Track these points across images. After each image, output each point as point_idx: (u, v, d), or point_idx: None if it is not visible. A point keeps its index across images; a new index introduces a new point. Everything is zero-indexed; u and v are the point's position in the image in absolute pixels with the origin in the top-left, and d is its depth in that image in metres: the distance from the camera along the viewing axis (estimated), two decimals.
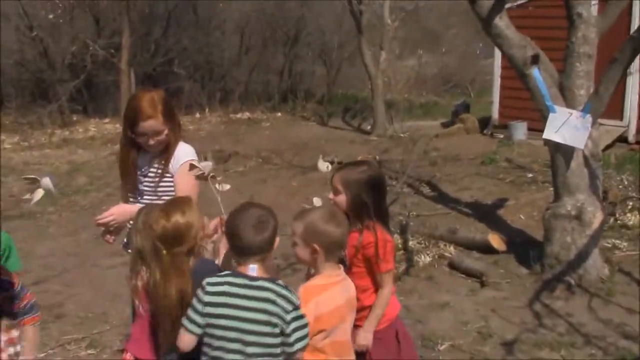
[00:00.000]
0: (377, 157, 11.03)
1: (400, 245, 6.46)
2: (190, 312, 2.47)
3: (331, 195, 2.99)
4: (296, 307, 2.43)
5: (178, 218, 2.64)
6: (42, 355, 4.69)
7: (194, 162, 3.11)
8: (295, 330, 2.41)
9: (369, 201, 2.90)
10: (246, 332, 2.39)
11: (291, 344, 2.41)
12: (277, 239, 2.56)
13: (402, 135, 13.10)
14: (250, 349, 2.39)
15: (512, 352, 4.38)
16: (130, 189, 3.38)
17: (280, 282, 2.49)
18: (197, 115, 17.50)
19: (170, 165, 3.28)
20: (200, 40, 18.23)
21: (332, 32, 19.15)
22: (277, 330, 2.39)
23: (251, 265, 2.48)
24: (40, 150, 13.32)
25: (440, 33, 24.34)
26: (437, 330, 4.73)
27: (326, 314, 2.60)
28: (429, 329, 4.74)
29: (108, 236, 3.34)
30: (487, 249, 6.16)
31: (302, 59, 20.34)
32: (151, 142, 3.20)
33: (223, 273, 2.52)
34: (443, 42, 24.25)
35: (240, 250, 2.53)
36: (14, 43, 15.94)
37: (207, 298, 2.43)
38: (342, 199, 2.93)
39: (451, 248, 6.31)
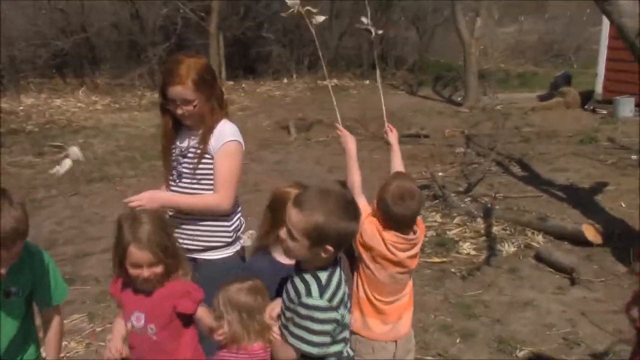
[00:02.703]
0: (465, 132, 10.43)
1: (482, 231, 5.98)
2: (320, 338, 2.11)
3: None
4: None
5: None
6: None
7: None
8: None
9: None
10: None
11: None
12: None
13: (495, 108, 12.37)
14: None
15: None
16: (167, 167, 3.08)
17: None
18: (285, 80, 17.32)
19: (209, 145, 2.97)
20: None
21: None
22: None
23: None
24: (130, 113, 13.51)
25: None
26: (517, 333, 4.26)
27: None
28: (508, 331, 4.28)
29: None
30: (580, 241, 5.57)
31: (395, 24, 19.61)
32: (179, 111, 2.92)
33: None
34: (549, 6, 22.85)
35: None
36: (108, 5, 16.20)
37: (341, 310, 2.14)
38: None
39: (539, 237, 5.76)
